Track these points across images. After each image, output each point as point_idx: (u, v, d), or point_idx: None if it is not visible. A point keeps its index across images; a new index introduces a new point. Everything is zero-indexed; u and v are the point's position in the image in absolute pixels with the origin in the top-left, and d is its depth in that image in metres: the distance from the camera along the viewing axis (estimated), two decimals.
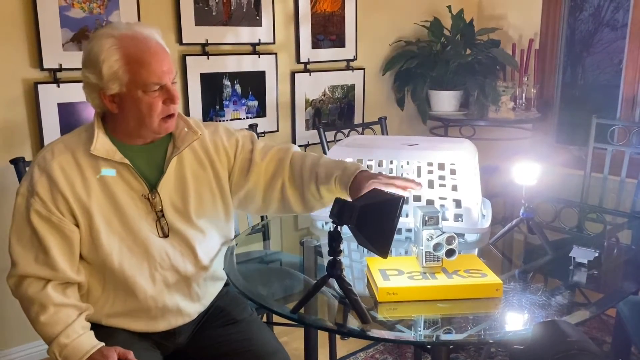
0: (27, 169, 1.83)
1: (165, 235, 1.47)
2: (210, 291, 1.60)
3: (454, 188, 1.81)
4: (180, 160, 1.49)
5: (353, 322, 1.29)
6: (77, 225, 1.40)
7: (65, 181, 1.37)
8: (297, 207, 1.56)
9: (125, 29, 1.36)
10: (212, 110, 2.70)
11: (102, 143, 1.39)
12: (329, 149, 2.06)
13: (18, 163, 1.85)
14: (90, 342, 1.37)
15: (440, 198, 1.84)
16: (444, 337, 1.29)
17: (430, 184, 1.84)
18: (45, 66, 2.24)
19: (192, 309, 1.54)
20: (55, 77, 2.27)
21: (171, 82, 1.39)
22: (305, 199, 1.54)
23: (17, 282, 1.40)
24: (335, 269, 1.29)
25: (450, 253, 1.43)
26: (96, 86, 1.37)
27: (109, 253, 1.41)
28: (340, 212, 1.26)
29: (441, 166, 1.84)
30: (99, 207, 1.40)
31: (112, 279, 1.44)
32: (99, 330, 1.42)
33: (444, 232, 1.44)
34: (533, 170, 1.69)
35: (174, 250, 1.48)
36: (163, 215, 1.46)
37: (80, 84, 2.25)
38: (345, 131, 2.67)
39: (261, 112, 2.86)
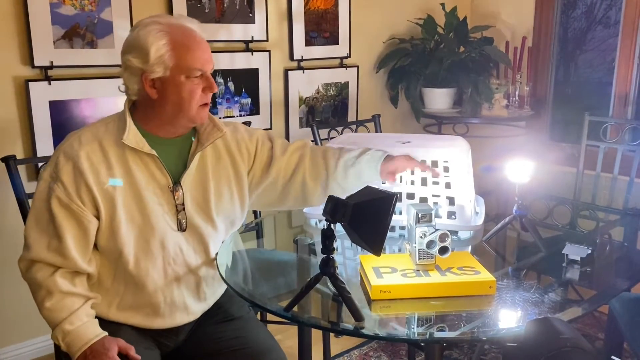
0: (18, 167, 1.83)
1: (183, 230, 1.48)
2: (216, 292, 1.61)
3: (447, 185, 1.81)
4: (203, 156, 1.51)
5: (347, 320, 1.29)
6: (98, 215, 1.41)
7: (91, 170, 1.38)
8: (316, 198, 1.64)
9: (171, 19, 1.42)
10: None
11: (133, 133, 1.41)
12: None
13: (9, 161, 1.83)
14: (94, 330, 1.38)
15: (434, 195, 1.84)
16: (437, 334, 1.29)
17: (424, 182, 1.84)
18: (36, 64, 2.22)
19: (198, 307, 1.56)
20: (46, 74, 2.25)
21: (210, 72, 1.44)
22: (327, 185, 1.63)
23: (27, 266, 1.41)
24: (328, 266, 1.29)
25: (443, 250, 1.43)
26: (139, 70, 1.38)
27: (126, 243, 1.42)
28: (333, 210, 1.26)
29: (434, 164, 1.83)
30: (122, 197, 1.41)
31: (124, 270, 1.45)
32: (103, 326, 1.42)
33: (437, 230, 1.44)
34: (526, 168, 1.69)
35: (187, 246, 1.50)
36: (184, 209, 1.47)
37: (72, 82, 2.28)
38: (339, 129, 2.67)
39: (254, 109, 2.86)
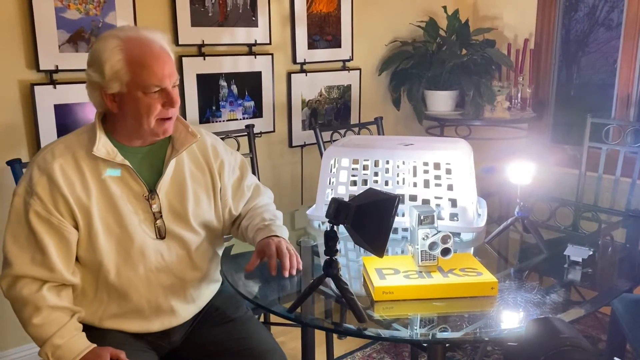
0: (24, 170, 1.84)
1: (162, 237, 1.48)
2: (205, 293, 1.61)
3: (450, 187, 1.82)
4: (179, 162, 1.51)
5: (350, 321, 1.30)
6: (76, 226, 1.40)
7: (66, 182, 1.38)
8: (235, 235, 1.68)
9: (131, 32, 1.40)
10: (209, 110, 2.71)
11: (103, 144, 1.41)
12: (325, 149, 2.07)
13: (14, 164, 1.85)
14: (83, 342, 1.37)
15: (436, 197, 1.85)
16: (440, 335, 1.30)
17: (426, 184, 1.85)
18: (41, 67, 2.24)
19: (186, 310, 1.55)
20: (51, 78, 2.27)
21: (172, 85, 1.41)
22: (239, 233, 1.66)
23: (10, 283, 1.38)
24: (331, 268, 1.30)
25: (445, 252, 1.44)
26: (98, 85, 1.39)
27: (106, 254, 1.42)
28: (336, 211, 1.27)
29: (437, 166, 1.85)
30: (98, 208, 1.41)
31: (106, 280, 1.44)
32: (93, 332, 1.42)
33: (439, 231, 1.45)
34: (528, 170, 1.70)
35: (169, 252, 1.49)
36: (161, 217, 1.47)
37: (77, 85, 2.30)
38: (342, 131, 2.68)
39: (258, 112, 2.87)
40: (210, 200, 1.56)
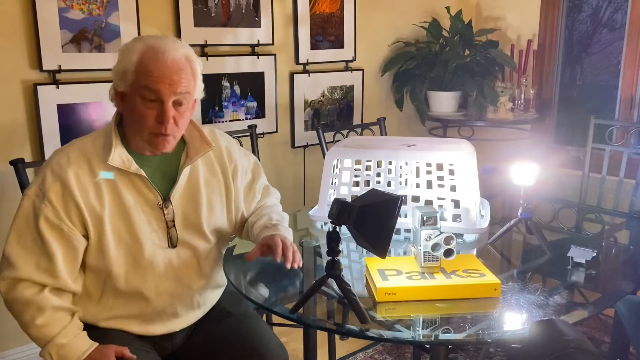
0: (27, 170, 1.84)
1: (174, 246, 1.48)
2: (210, 298, 1.61)
3: (453, 188, 1.81)
4: (193, 170, 1.50)
5: (352, 322, 1.30)
6: (86, 235, 1.39)
7: (80, 190, 1.36)
8: (239, 234, 1.67)
9: (155, 41, 1.40)
10: (212, 111, 2.71)
11: (119, 154, 1.40)
12: (327, 150, 2.07)
13: (17, 164, 1.84)
14: (87, 341, 1.38)
15: (439, 198, 1.85)
16: (443, 336, 1.30)
17: (429, 185, 1.85)
18: (44, 67, 2.24)
19: (192, 315, 1.56)
20: (54, 78, 2.27)
21: (172, 100, 1.38)
22: (244, 232, 1.64)
23: (11, 285, 1.37)
24: (334, 269, 1.30)
25: (448, 253, 1.44)
26: (114, 79, 1.42)
27: (115, 263, 1.42)
28: (339, 212, 1.27)
29: (440, 167, 1.84)
30: (110, 217, 1.40)
31: (114, 287, 1.44)
32: (95, 331, 1.42)
33: (442, 232, 1.45)
34: (531, 171, 1.70)
35: (179, 261, 1.49)
36: (174, 226, 1.47)
37: (80, 85, 2.30)
38: (344, 132, 2.67)
39: (260, 113, 2.87)
40: (223, 205, 1.56)
